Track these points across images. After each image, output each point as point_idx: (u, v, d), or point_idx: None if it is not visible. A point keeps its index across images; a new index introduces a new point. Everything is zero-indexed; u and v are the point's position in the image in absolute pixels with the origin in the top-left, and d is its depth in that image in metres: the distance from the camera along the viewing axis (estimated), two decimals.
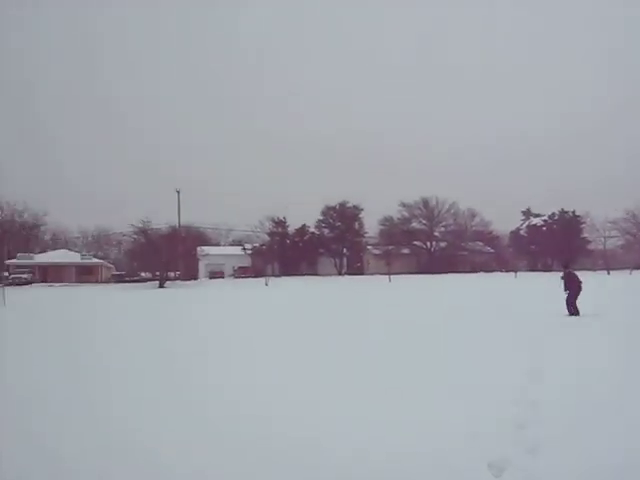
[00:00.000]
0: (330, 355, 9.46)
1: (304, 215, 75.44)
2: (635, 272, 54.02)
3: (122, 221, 77.13)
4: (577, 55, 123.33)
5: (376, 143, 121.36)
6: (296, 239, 71.04)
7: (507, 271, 63.22)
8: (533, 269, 69.81)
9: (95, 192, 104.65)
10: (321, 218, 72.89)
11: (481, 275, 56.74)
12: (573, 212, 73.58)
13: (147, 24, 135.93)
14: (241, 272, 67.18)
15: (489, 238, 75.36)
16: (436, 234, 74.28)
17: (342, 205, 71.76)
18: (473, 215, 75.40)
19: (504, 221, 76.61)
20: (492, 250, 74.74)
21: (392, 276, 51.65)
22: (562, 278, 16.71)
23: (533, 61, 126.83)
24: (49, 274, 65.58)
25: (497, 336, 11.62)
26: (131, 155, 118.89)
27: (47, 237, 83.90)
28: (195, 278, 64.36)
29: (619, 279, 41.48)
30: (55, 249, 76.88)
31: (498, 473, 4.01)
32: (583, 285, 16.35)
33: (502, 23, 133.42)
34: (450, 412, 5.57)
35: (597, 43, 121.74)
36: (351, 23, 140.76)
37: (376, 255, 69.94)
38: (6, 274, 55.86)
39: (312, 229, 72.99)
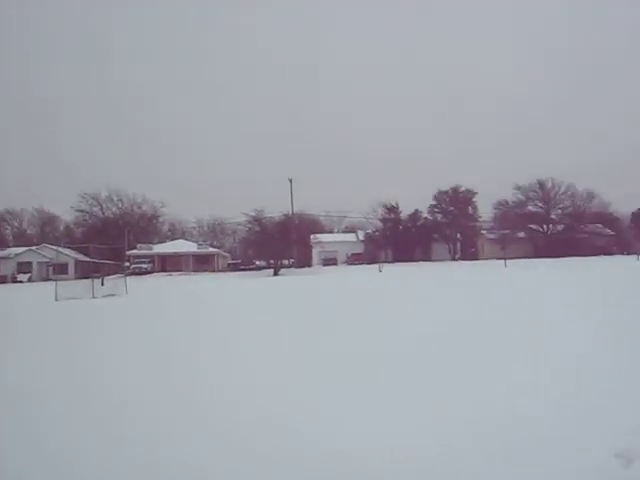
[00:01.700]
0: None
1: (417, 200, 75.24)
2: None
3: (236, 210, 79.06)
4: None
5: (487, 127, 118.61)
6: (409, 225, 72.48)
7: (629, 254, 60.61)
8: None
9: (206, 183, 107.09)
10: (434, 203, 74.62)
11: (602, 258, 54.43)
12: None
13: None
14: (354, 259, 69.39)
15: (609, 220, 73.82)
16: (553, 217, 74.15)
17: (455, 189, 73.30)
18: (592, 196, 74.55)
19: (626, 202, 72.87)
20: (613, 232, 71.64)
21: (508, 261, 50.50)
22: None
23: None
24: (168, 263, 70.02)
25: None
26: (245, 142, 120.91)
27: (165, 228, 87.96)
28: (309, 265, 66.04)
29: None
30: (173, 239, 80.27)
31: None
32: None
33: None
34: None
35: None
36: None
37: (491, 239, 70.44)
38: (127, 264, 59.39)
39: (425, 214, 74.55)
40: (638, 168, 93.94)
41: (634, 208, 75.14)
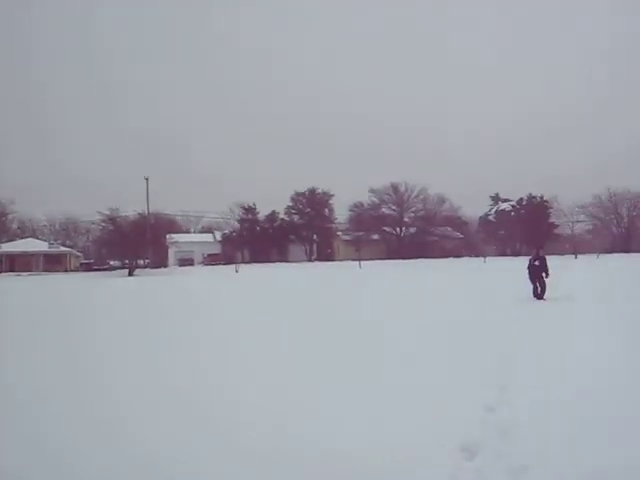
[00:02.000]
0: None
1: (274, 202, 75.43)
2: (602, 256, 56.91)
3: (90, 209, 75.86)
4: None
5: (344, 128, 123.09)
6: (266, 226, 72.41)
7: (476, 256, 64.20)
8: (502, 254, 71.18)
9: (63, 180, 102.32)
10: (290, 204, 74.74)
11: (450, 260, 57.18)
12: (541, 197, 77.02)
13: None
14: (211, 259, 68.99)
15: (458, 223, 78.20)
16: (406, 219, 76.67)
17: (311, 191, 74.40)
18: (442, 200, 78.56)
19: (473, 206, 77.40)
20: (461, 235, 75.71)
21: (362, 262, 51.67)
22: (529, 267, 17.20)
23: (501, 60, 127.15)
24: (16, 263, 65.75)
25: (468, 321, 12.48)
26: (101, 141, 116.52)
27: (14, 226, 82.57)
28: (165, 266, 64.33)
29: (586, 263, 43.91)
30: (23, 238, 75.51)
31: None
32: (550, 269, 16.98)
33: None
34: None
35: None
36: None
37: (346, 241, 72.50)
38: None
39: (282, 216, 75.15)
40: (484, 174, 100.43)
41: (481, 212, 79.33)
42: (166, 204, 74.32)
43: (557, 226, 76.71)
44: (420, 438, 4.85)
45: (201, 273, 47.69)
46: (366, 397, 6.16)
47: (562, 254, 55.62)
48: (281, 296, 21.16)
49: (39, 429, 5.39)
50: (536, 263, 16.86)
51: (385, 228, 75.32)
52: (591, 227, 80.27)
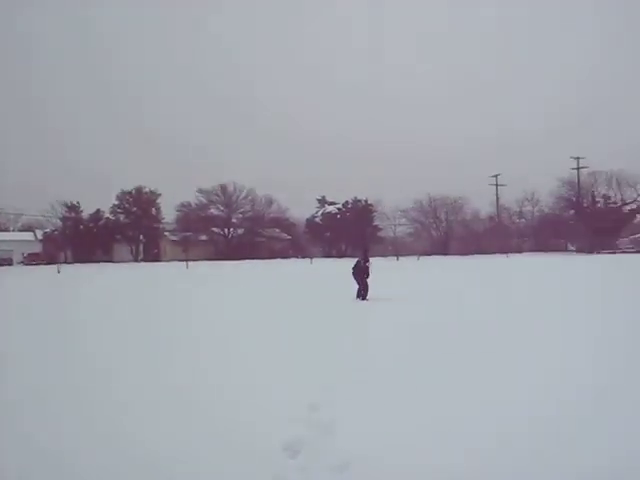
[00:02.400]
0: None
1: (99, 200, 74.64)
2: (422, 258, 62.00)
3: None
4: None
5: (169, 128, 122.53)
6: (90, 225, 71.17)
7: (303, 257, 67.15)
8: (328, 255, 75.19)
9: None
10: (116, 203, 73.99)
11: (278, 261, 59.71)
12: (365, 201, 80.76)
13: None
14: (31, 259, 66.26)
15: (286, 225, 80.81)
16: (234, 220, 77.75)
17: (138, 190, 73.75)
18: (270, 202, 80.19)
19: (300, 208, 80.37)
20: (289, 237, 78.47)
21: (190, 263, 52.83)
22: (354, 269, 17.77)
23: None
24: None
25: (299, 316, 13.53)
26: None
27: None
28: None
29: (407, 264, 47.24)
30: None
31: None
32: (371, 270, 17.59)
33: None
34: None
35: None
36: None
37: (174, 241, 73.64)
38: None
39: (107, 214, 73.32)
40: (315, 175, 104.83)
41: (308, 215, 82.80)
42: None
43: (381, 229, 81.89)
44: None
45: (20, 274, 46.10)
46: None
47: (385, 256, 59.65)
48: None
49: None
50: (367, 264, 17.48)
51: (213, 229, 76.56)
52: (412, 230, 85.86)
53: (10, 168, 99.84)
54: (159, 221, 76.92)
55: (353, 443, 4.67)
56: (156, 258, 73.09)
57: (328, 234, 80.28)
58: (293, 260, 65.31)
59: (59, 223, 72.34)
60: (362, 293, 17.20)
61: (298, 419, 5.35)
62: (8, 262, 66.71)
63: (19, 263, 67.16)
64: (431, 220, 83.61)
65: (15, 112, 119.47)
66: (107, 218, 74.28)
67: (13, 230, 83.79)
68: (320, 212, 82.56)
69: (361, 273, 17.43)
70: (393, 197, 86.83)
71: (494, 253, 66.84)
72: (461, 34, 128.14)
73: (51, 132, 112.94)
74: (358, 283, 17.34)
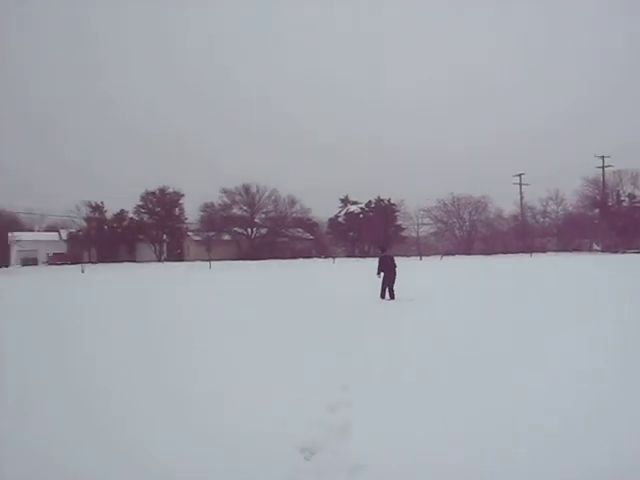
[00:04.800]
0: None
1: (123, 200, 75.01)
2: (445, 258, 61.33)
3: None
4: None
5: (187, 128, 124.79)
6: (114, 225, 71.48)
7: (326, 257, 66.94)
8: (350, 255, 74.81)
9: None
10: (140, 204, 74.48)
11: (301, 261, 59.40)
12: (388, 200, 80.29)
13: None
14: (56, 259, 67.32)
15: (309, 225, 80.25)
16: (256, 220, 77.03)
17: (162, 190, 74.01)
18: (293, 202, 79.72)
19: (323, 208, 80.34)
20: (312, 237, 78.26)
21: (213, 262, 52.94)
22: (379, 262, 17.04)
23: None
24: None
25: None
26: None
27: None
28: (6, 265, 62.08)
29: (431, 264, 46.98)
30: None
31: None
32: (398, 270, 16.91)
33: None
34: None
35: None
36: None
37: (197, 241, 73.35)
38: None
39: (131, 215, 74.92)
40: (336, 176, 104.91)
41: (331, 214, 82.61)
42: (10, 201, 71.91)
43: (404, 229, 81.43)
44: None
45: (43, 274, 46.49)
46: None
47: (408, 256, 59.44)
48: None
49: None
50: (395, 263, 16.84)
51: (236, 229, 76.39)
52: (435, 230, 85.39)
53: (35, 172, 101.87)
54: (182, 221, 77.01)
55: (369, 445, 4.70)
56: (179, 258, 73.08)
57: (351, 234, 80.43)
58: (315, 260, 65.11)
59: (83, 223, 72.73)
60: (391, 292, 16.53)
61: (316, 421, 5.40)
62: (33, 262, 67.37)
63: (44, 263, 67.84)
64: (454, 220, 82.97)
65: (38, 115, 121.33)
66: (131, 218, 74.54)
67: (38, 230, 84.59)
68: (343, 212, 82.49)
69: (390, 268, 16.65)
70: (416, 197, 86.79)
71: (518, 253, 66.48)
72: (482, 33, 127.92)
73: (76, 136, 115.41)
74: (385, 281, 16.63)
